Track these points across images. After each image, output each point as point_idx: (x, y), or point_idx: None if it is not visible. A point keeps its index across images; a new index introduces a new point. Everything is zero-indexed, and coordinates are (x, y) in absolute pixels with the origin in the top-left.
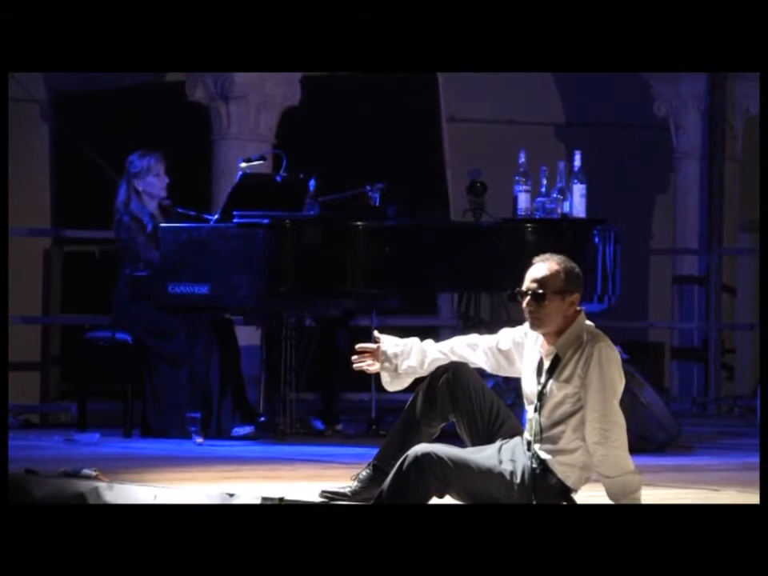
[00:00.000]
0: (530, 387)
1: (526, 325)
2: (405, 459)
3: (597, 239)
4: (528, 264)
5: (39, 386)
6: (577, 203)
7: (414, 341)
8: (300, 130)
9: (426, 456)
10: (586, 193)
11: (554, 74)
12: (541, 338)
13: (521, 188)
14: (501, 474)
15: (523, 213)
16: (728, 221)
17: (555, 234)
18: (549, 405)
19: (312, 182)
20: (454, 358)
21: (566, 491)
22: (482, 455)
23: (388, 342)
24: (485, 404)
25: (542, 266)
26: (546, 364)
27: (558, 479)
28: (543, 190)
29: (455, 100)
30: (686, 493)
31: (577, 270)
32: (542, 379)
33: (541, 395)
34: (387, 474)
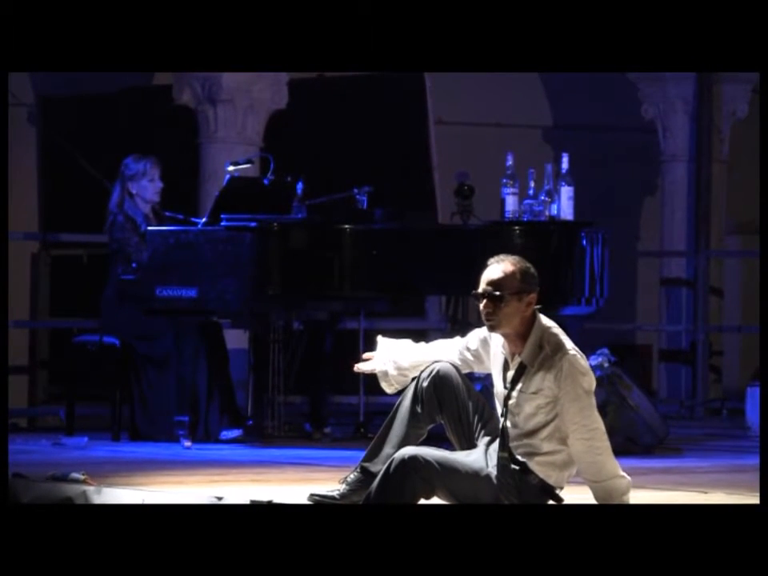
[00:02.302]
0: (498, 387)
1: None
2: (391, 462)
3: (584, 241)
4: (484, 266)
5: (27, 389)
6: (564, 206)
7: (407, 343)
8: (287, 133)
9: (413, 459)
10: (573, 195)
11: (541, 77)
12: (501, 339)
13: (508, 191)
14: (488, 477)
15: (511, 215)
16: (715, 223)
17: (543, 236)
18: (521, 416)
19: (299, 185)
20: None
21: (549, 489)
22: (469, 459)
23: (386, 346)
24: (470, 404)
25: (497, 268)
26: (511, 372)
27: (540, 479)
28: (531, 192)
29: (443, 103)
30: (674, 495)
31: (532, 269)
32: (508, 386)
33: (506, 402)
34: (375, 477)
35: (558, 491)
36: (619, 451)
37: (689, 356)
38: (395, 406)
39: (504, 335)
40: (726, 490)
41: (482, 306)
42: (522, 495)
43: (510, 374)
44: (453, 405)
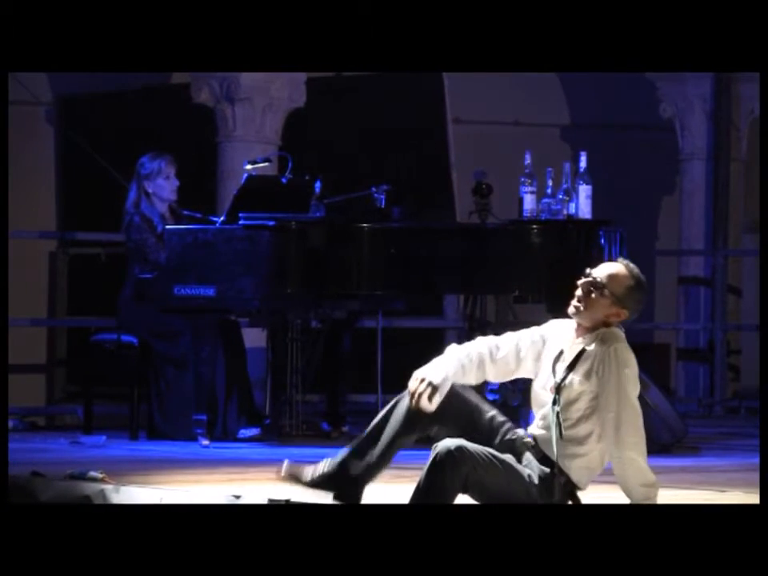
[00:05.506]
0: (543, 384)
1: (544, 326)
2: (437, 455)
3: (602, 240)
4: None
5: (45, 388)
6: (582, 204)
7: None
8: (305, 131)
9: (459, 450)
10: (591, 194)
11: (560, 75)
12: (568, 333)
13: (526, 189)
14: (521, 474)
15: (529, 214)
16: (733, 222)
17: (561, 235)
18: (564, 397)
19: (317, 184)
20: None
21: (573, 490)
22: (504, 456)
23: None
24: (484, 419)
25: (618, 266)
26: (569, 357)
27: (570, 480)
28: (549, 191)
29: (461, 101)
30: (692, 494)
31: (639, 296)
32: (562, 370)
33: (560, 387)
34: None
35: (579, 491)
36: None
37: (707, 355)
38: (388, 408)
39: (578, 326)
40: (743, 488)
41: (579, 283)
42: (548, 495)
43: (567, 360)
44: (460, 422)
